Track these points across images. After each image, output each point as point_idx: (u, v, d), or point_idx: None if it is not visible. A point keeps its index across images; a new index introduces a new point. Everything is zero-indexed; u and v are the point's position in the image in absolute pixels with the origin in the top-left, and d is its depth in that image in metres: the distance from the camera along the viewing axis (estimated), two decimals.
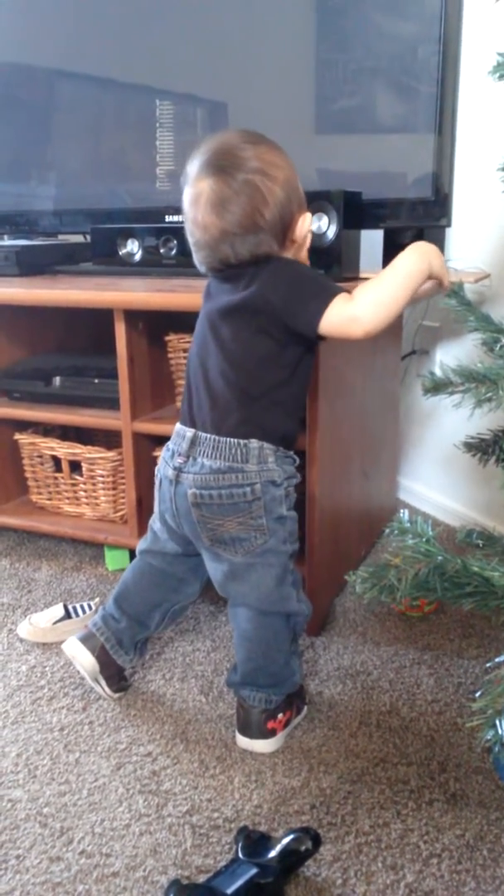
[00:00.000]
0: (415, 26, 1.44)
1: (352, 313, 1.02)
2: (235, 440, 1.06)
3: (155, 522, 1.20)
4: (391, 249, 1.66)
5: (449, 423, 1.82)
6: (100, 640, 1.21)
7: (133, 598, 1.22)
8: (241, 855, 0.90)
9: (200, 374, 1.09)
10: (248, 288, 1.04)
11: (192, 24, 1.65)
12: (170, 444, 1.13)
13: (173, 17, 1.67)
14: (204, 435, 1.07)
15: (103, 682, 1.23)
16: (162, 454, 1.15)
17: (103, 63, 1.80)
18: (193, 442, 1.08)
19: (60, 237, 2.07)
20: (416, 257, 1.07)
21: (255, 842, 0.92)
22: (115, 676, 1.24)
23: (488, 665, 1.31)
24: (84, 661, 1.21)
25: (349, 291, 1.04)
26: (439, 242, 1.69)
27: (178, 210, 1.67)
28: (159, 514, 1.17)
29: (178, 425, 1.13)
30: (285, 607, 1.13)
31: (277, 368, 1.06)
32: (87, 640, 1.22)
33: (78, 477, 1.68)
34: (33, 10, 1.82)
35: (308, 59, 1.57)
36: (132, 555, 1.63)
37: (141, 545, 1.23)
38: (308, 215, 1.08)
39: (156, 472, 1.16)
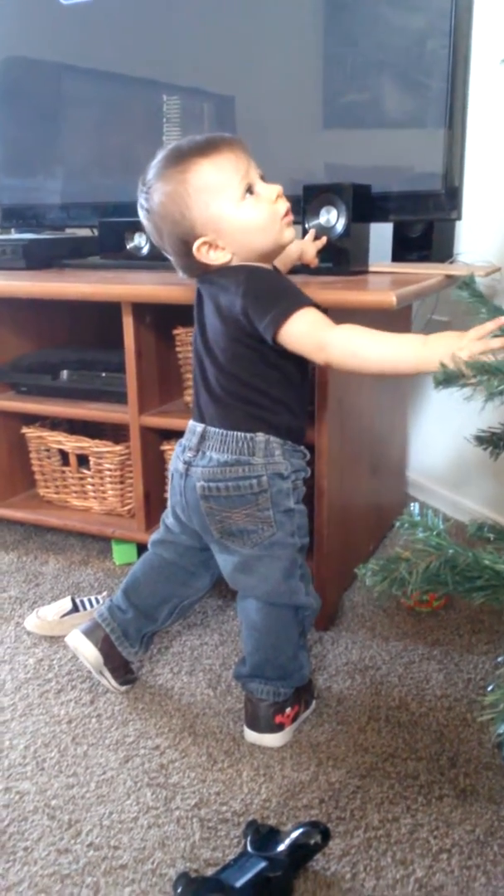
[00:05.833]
0: (424, 20, 1.43)
1: (323, 341, 0.99)
2: (242, 434, 1.06)
3: (168, 517, 1.20)
4: (401, 242, 1.66)
5: (458, 417, 1.81)
6: (104, 630, 1.21)
7: (142, 589, 1.22)
8: (249, 848, 0.90)
9: (200, 375, 1.11)
10: (216, 297, 1.05)
11: (199, 17, 1.65)
12: (182, 439, 1.14)
13: (180, 11, 1.66)
14: (212, 429, 1.08)
15: (108, 675, 1.22)
16: (175, 448, 1.15)
17: (110, 58, 1.79)
18: (203, 436, 1.09)
19: (68, 231, 2.07)
20: (435, 358, 0.94)
21: (263, 835, 0.92)
22: (121, 669, 1.24)
23: (498, 660, 1.31)
24: (87, 652, 1.21)
25: (317, 306, 1.01)
26: (449, 236, 1.69)
27: None
28: (171, 508, 1.18)
29: (190, 421, 1.14)
30: (293, 600, 1.12)
31: (266, 370, 1.06)
32: (90, 632, 1.21)
33: (85, 471, 1.68)
34: (40, 4, 1.82)
35: (316, 52, 1.56)
36: (140, 549, 1.64)
37: (153, 537, 1.24)
38: (205, 242, 1.02)
39: (169, 466, 1.16)
